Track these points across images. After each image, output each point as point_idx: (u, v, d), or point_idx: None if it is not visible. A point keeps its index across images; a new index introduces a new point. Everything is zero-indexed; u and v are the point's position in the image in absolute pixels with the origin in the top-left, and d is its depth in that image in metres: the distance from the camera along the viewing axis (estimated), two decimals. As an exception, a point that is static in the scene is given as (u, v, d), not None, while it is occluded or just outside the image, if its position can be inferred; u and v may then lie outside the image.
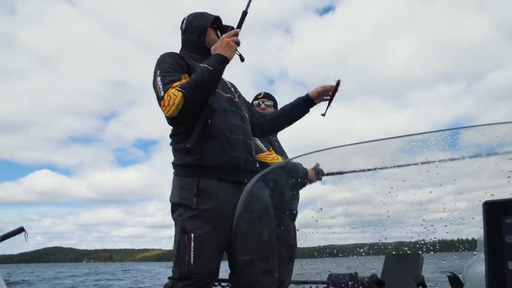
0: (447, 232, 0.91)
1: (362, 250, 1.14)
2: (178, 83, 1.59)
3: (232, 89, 1.88)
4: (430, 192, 0.86)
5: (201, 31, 1.84)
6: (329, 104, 1.87)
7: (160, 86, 1.60)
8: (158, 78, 1.63)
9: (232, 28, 1.87)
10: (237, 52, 1.72)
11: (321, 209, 1.07)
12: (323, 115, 1.91)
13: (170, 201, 1.67)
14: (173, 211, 1.64)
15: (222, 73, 1.65)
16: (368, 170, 1.12)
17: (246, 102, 2.01)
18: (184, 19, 1.90)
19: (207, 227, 1.55)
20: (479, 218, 0.79)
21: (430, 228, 0.95)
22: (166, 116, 1.61)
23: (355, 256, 1.15)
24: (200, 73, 1.59)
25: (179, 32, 1.93)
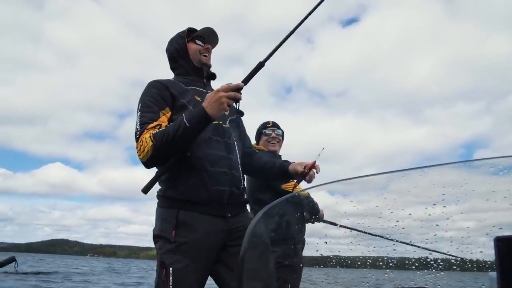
0: (453, 251, 0.91)
1: (366, 262, 1.14)
2: (155, 123, 1.57)
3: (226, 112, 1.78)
4: (439, 209, 0.87)
5: (182, 52, 1.79)
6: (298, 182, 1.88)
7: (138, 125, 1.59)
8: (138, 114, 1.62)
9: (212, 32, 1.83)
10: (234, 106, 1.64)
11: (337, 225, 1.08)
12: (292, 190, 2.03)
13: (153, 232, 1.64)
14: (154, 242, 1.63)
15: (202, 130, 1.54)
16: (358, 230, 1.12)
17: (241, 128, 1.92)
18: (166, 50, 1.86)
19: (185, 261, 1.52)
20: (486, 239, 0.79)
21: (436, 245, 0.95)
22: (140, 161, 1.58)
23: (358, 268, 1.15)
24: (176, 126, 1.51)
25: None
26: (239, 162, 1.74)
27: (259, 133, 2.86)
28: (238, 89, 1.55)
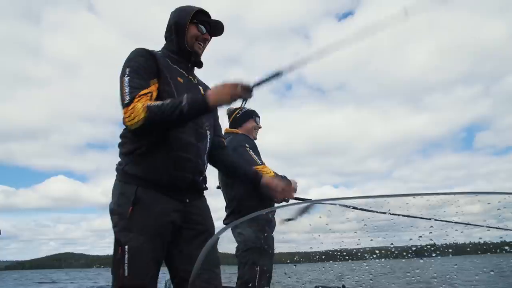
0: (459, 236, 0.91)
1: (371, 254, 1.14)
2: (146, 91, 1.49)
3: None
4: (443, 195, 0.87)
5: (180, 28, 1.68)
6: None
7: (127, 90, 1.49)
8: (126, 78, 1.52)
9: (220, 25, 1.75)
10: (242, 102, 1.55)
11: (330, 210, 1.08)
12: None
13: (109, 207, 1.58)
14: (111, 217, 1.56)
15: (197, 118, 1.54)
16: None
17: (215, 115, 1.87)
18: (170, 16, 1.74)
19: (141, 239, 1.47)
20: (492, 222, 0.78)
21: (441, 232, 0.95)
22: (126, 125, 1.49)
23: (365, 260, 1.14)
24: (174, 107, 1.44)
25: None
26: (206, 152, 1.71)
27: (248, 116, 2.82)
28: (248, 89, 1.47)
